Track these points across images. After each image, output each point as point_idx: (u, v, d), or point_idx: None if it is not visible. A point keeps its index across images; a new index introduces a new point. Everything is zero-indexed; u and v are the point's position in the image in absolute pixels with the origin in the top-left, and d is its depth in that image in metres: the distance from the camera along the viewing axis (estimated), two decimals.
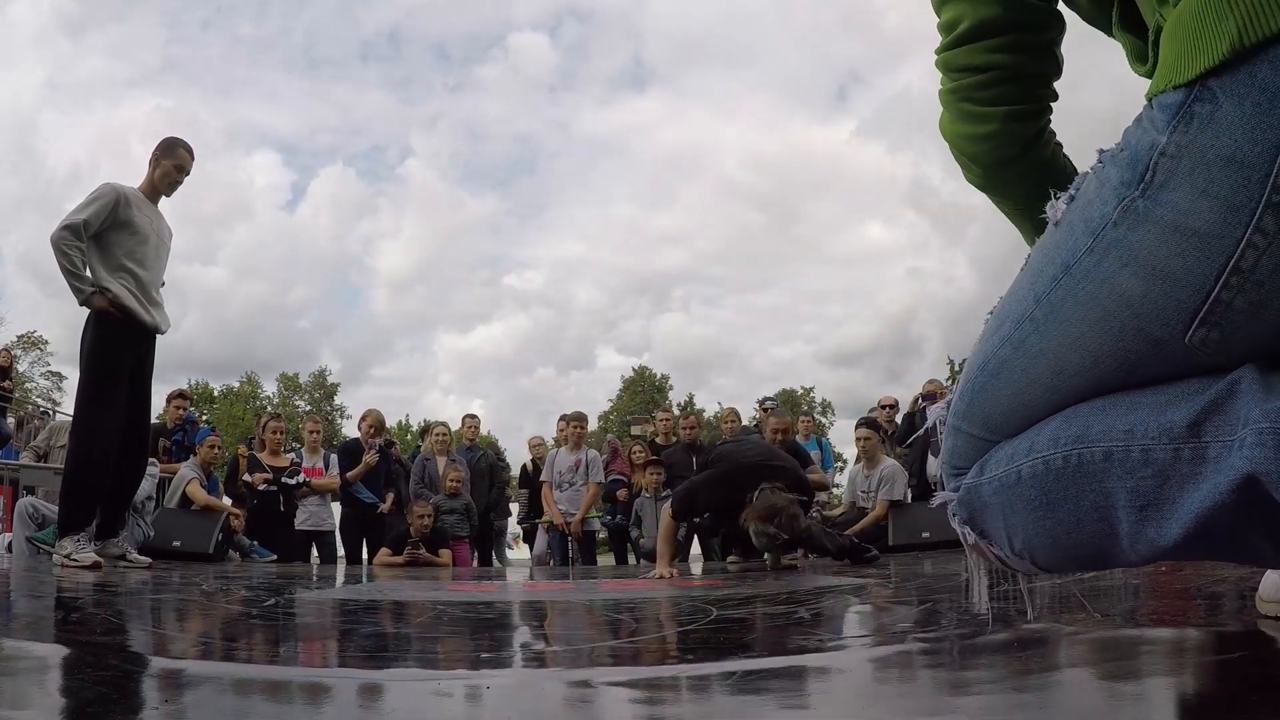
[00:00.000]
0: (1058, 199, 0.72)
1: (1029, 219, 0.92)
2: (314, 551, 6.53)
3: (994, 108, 0.87)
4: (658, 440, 7.66)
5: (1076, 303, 0.67)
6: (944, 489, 0.87)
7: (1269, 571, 1.31)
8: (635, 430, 10.72)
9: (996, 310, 0.81)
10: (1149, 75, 0.70)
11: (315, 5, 56.45)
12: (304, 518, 6.48)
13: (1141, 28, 0.73)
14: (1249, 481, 0.56)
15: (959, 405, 0.83)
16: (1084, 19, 0.86)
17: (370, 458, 6.23)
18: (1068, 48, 0.88)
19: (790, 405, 32.88)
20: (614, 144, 62.28)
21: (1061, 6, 0.87)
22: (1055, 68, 0.89)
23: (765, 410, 6.99)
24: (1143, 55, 0.74)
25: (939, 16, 0.89)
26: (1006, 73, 0.86)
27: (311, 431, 7.00)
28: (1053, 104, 0.91)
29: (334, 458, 6.94)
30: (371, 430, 6.52)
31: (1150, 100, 0.62)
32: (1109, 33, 0.81)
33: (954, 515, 0.85)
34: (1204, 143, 0.56)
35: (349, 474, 6.40)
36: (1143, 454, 0.63)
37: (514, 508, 8.56)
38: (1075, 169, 0.94)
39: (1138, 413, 0.64)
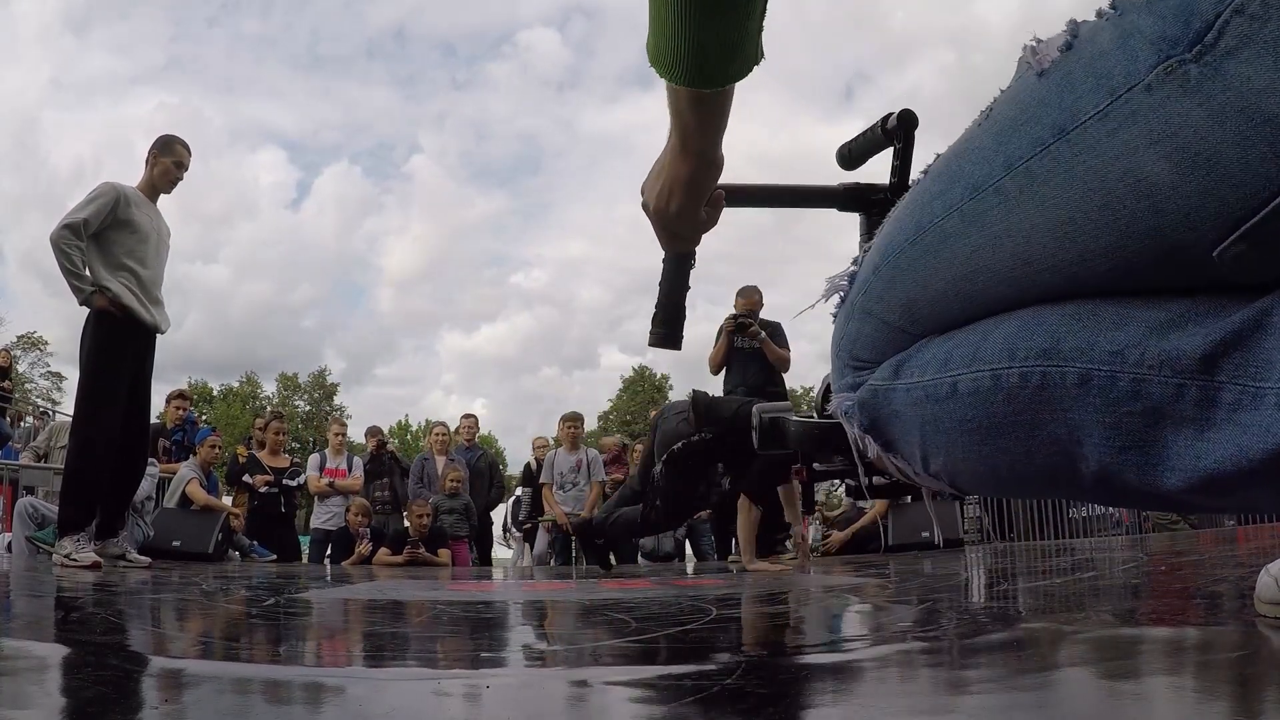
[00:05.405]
0: (1040, 41, 0.55)
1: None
2: (329, 549, 6.53)
3: None
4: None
5: (1070, 178, 0.51)
6: (836, 381, 0.71)
7: (1265, 573, 1.31)
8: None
9: (939, 168, 0.63)
10: None
11: (320, 1, 56.38)
12: (327, 516, 6.51)
13: None
14: None
15: (873, 282, 0.66)
16: None
17: (364, 548, 6.13)
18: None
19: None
20: (619, 142, 62.25)
21: None
22: None
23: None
24: None
25: None
26: None
27: (336, 434, 7.30)
28: None
29: (358, 460, 6.99)
30: (359, 517, 6.44)
31: None
32: None
33: (848, 418, 0.69)
34: None
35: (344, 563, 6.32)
36: (1133, 385, 0.50)
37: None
38: None
39: (1128, 329, 0.51)
